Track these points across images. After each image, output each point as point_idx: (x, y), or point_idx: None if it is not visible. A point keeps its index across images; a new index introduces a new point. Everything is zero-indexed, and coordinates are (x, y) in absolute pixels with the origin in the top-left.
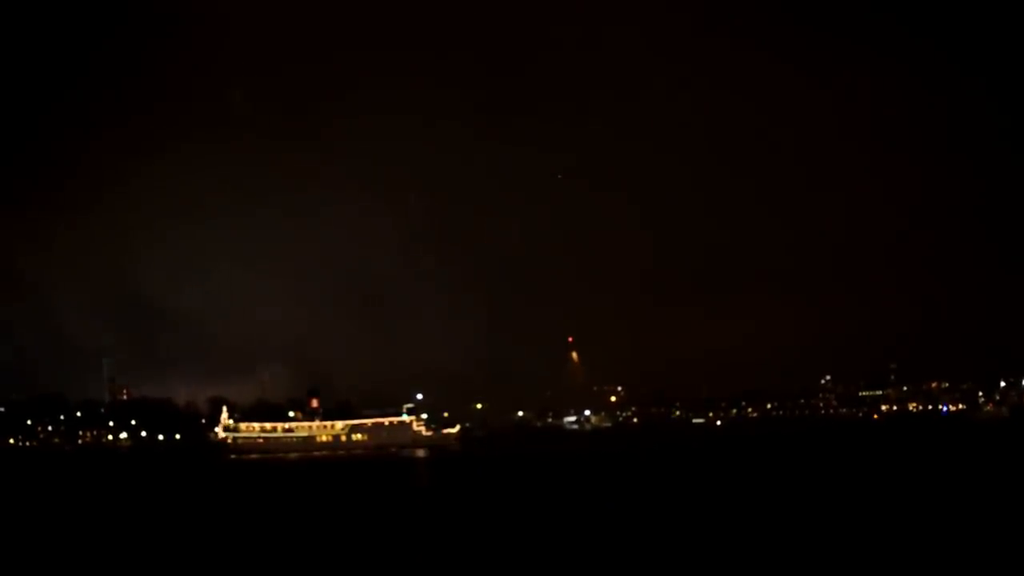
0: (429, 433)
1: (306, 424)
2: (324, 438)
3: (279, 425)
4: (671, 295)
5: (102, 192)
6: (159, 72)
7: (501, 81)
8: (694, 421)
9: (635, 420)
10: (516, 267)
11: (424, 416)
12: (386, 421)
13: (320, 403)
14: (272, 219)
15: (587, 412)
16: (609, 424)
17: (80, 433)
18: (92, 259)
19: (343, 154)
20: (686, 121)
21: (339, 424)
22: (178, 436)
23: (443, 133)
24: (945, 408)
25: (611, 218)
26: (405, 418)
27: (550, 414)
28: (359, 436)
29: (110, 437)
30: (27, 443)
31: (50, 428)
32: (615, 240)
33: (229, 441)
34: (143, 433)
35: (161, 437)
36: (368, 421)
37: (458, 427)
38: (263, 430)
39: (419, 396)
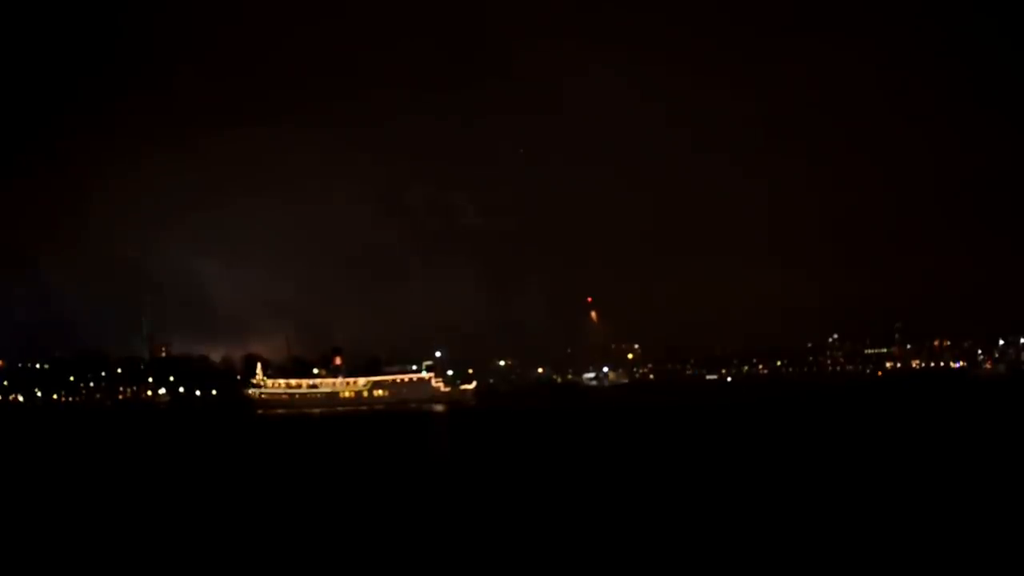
0: (447, 389)
1: (330, 380)
2: (347, 394)
3: (304, 382)
4: (685, 258)
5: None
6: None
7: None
8: (707, 377)
9: (651, 376)
10: (511, 228)
11: (450, 372)
12: (406, 378)
13: (344, 360)
14: (250, 189)
15: (605, 369)
16: (626, 380)
17: (120, 389)
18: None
19: (316, 124)
20: (704, 89)
21: (361, 380)
22: (214, 392)
23: (419, 96)
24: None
25: (623, 180)
26: (424, 374)
27: (570, 371)
28: (380, 392)
29: (149, 393)
30: (70, 399)
31: (92, 384)
32: (628, 203)
33: (259, 397)
34: (181, 389)
35: (198, 393)
36: (389, 378)
37: (475, 383)
38: (289, 386)
39: (438, 354)
